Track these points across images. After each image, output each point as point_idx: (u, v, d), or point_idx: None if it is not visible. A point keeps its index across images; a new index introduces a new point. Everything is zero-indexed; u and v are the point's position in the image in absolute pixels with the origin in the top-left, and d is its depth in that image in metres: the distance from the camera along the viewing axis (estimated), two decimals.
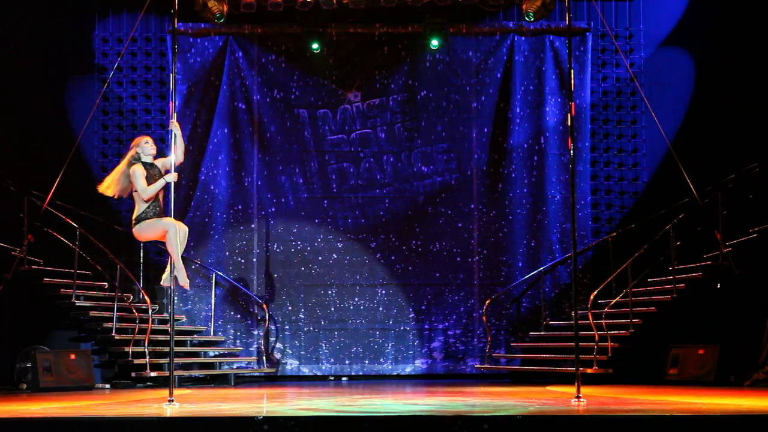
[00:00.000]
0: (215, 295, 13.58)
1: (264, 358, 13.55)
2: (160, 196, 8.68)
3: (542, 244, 13.78)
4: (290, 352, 13.81)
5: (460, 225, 13.91)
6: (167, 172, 8.56)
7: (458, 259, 13.86)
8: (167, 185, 8.49)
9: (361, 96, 14.08)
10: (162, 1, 11.22)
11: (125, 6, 13.96)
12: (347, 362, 13.80)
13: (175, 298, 11.35)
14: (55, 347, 11.86)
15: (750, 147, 12.52)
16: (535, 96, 13.99)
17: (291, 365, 13.80)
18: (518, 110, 13.93)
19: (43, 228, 12.48)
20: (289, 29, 13.91)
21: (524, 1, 13.36)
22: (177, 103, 8.53)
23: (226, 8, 13.24)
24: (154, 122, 13.98)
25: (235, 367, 13.36)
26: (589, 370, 11.27)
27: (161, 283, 9.12)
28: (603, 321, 11.43)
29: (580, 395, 7.70)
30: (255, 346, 13.70)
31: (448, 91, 14.06)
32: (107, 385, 11.81)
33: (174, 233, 8.56)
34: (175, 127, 8.28)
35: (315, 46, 13.73)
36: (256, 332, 13.74)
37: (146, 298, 12.38)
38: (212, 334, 13.50)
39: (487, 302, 13.49)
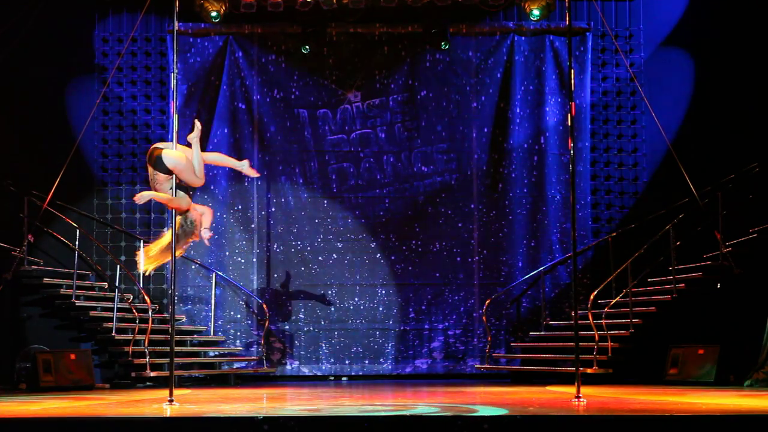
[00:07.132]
0: (215, 295, 13.58)
1: (264, 358, 13.55)
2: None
3: (542, 244, 13.78)
4: (290, 352, 13.81)
5: (460, 225, 13.91)
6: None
7: (458, 259, 13.86)
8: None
9: (361, 96, 14.07)
10: (162, 1, 11.22)
11: (125, 6, 13.94)
12: (347, 362, 13.80)
13: (176, 298, 11.33)
14: (55, 347, 11.86)
15: (750, 147, 12.50)
16: (535, 96, 13.99)
17: (291, 365, 13.80)
18: (518, 110, 13.93)
19: (43, 228, 12.49)
20: (289, 29, 13.90)
21: (527, 0, 13.38)
22: (177, 103, 8.47)
23: (223, 8, 13.25)
24: (154, 122, 13.97)
25: (235, 367, 13.35)
26: (589, 370, 11.26)
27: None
28: (603, 321, 11.42)
29: (580, 395, 7.70)
30: (255, 346, 13.70)
31: (448, 91, 14.05)
32: (107, 385, 11.81)
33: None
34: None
35: (306, 47, 13.70)
36: (256, 332, 13.73)
37: (146, 298, 12.38)
38: (212, 334, 13.49)
39: (487, 302, 13.48)
